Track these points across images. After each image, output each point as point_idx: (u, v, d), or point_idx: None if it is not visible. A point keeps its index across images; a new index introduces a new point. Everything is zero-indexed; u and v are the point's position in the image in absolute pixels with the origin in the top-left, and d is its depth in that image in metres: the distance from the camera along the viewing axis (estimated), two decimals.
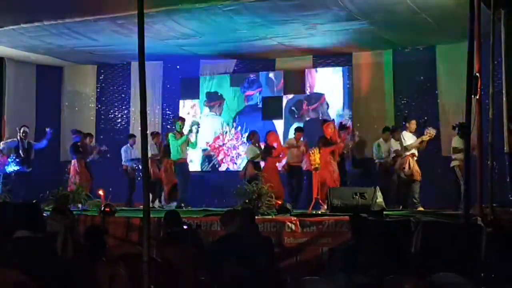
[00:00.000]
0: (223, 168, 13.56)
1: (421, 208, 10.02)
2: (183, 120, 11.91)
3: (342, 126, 11.45)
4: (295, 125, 12.35)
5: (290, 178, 11.45)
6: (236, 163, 13.30)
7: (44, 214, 7.14)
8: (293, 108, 13.19)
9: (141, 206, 4.66)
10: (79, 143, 11.98)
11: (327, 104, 12.91)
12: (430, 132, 10.40)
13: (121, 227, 8.55)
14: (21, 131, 12.08)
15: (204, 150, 13.56)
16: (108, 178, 12.65)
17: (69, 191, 10.37)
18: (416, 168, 10.42)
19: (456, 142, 10.13)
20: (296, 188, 11.33)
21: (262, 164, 11.24)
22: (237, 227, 5.49)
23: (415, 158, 10.48)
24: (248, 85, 13.53)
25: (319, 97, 13.01)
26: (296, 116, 13.11)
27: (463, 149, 9.68)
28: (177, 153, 11.42)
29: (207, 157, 13.63)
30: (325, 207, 9.50)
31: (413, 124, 10.70)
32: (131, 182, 12.43)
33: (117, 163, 12.61)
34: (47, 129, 12.33)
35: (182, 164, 11.54)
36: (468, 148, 5.78)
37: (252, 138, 11.50)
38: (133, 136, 12.59)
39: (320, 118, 12.58)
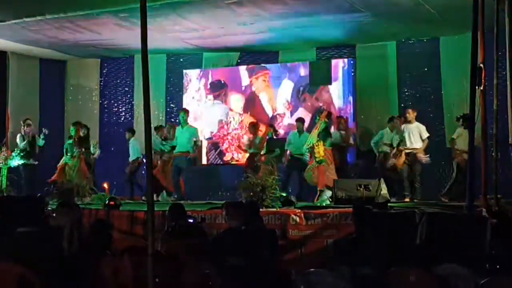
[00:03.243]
0: (227, 157, 13.52)
1: (407, 200, 9.99)
2: (187, 111, 11.93)
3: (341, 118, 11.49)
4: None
5: (292, 169, 11.41)
6: (241, 152, 13.20)
7: (49, 208, 7.18)
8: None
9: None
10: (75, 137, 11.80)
11: (331, 96, 12.86)
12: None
13: (125, 221, 8.58)
14: (25, 124, 12.03)
15: (208, 138, 13.54)
16: (111, 172, 12.65)
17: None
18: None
19: (458, 133, 10.10)
20: (298, 180, 11.29)
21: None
22: (242, 220, 5.49)
23: None
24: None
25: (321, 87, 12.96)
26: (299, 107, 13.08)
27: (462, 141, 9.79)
28: (181, 146, 11.46)
29: (212, 146, 13.59)
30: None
31: (410, 113, 10.60)
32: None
33: (120, 157, 12.60)
34: (43, 129, 12.16)
35: (185, 157, 11.58)
36: (472, 139, 5.77)
37: (253, 128, 11.51)
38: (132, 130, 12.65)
39: (322, 107, 12.58)
